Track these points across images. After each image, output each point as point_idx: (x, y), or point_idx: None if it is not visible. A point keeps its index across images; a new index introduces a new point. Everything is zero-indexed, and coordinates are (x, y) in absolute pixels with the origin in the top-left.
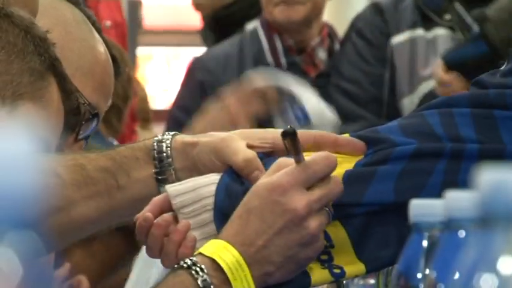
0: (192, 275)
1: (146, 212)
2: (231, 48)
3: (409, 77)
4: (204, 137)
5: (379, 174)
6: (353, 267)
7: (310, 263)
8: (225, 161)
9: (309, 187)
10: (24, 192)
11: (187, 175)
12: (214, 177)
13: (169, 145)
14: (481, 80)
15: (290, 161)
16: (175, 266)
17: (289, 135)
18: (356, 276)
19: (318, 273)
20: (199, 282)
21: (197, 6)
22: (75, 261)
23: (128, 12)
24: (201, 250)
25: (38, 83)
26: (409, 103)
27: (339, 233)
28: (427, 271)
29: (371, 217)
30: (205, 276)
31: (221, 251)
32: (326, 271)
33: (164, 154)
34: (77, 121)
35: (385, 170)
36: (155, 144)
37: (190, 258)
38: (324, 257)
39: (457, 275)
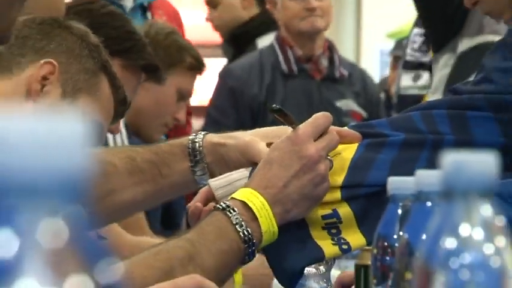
0: (226, 214)
1: (196, 202)
2: (253, 60)
3: None
4: (230, 138)
5: (377, 162)
6: (356, 239)
7: (320, 200)
8: (251, 159)
9: (316, 139)
10: (84, 173)
11: (217, 168)
12: (244, 173)
13: (201, 144)
14: (456, 88)
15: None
16: (212, 209)
17: (277, 111)
18: (359, 248)
19: (330, 249)
20: (232, 219)
21: (216, 27)
22: None
23: None
24: (233, 196)
25: (92, 80)
26: None
27: (345, 211)
28: (401, 233)
29: (371, 197)
30: (237, 215)
31: (249, 195)
32: (336, 247)
33: (197, 151)
34: (123, 109)
35: (382, 158)
36: (190, 142)
37: (224, 202)
38: (334, 231)
39: (424, 237)
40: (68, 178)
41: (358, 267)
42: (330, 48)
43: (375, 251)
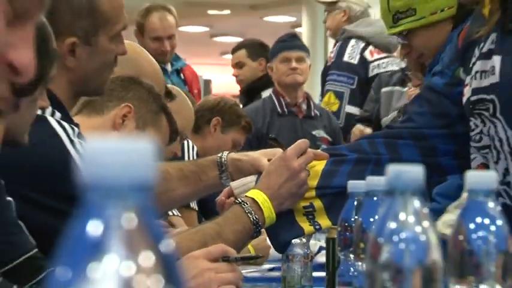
0: (242, 206)
1: (222, 197)
2: (259, 105)
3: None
4: (244, 156)
5: (339, 172)
6: (325, 222)
7: (302, 197)
8: (257, 170)
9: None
10: (151, 179)
11: (235, 175)
12: (253, 178)
13: (225, 159)
14: (389, 125)
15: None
16: (232, 202)
17: (273, 139)
18: (326, 228)
19: (308, 228)
20: (245, 209)
21: (239, 81)
22: None
23: (203, 85)
24: (246, 194)
25: (155, 118)
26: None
27: (318, 204)
28: (356, 217)
29: (335, 195)
30: (248, 207)
31: (256, 194)
32: (311, 227)
33: (223, 164)
34: (175, 136)
35: (342, 170)
36: (218, 158)
37: (240, 198)
38: (311, 217)
39: (374, 220)
40: (141, 182)
41: (328, 240)
42: (308, 97)
43: (339, 229)
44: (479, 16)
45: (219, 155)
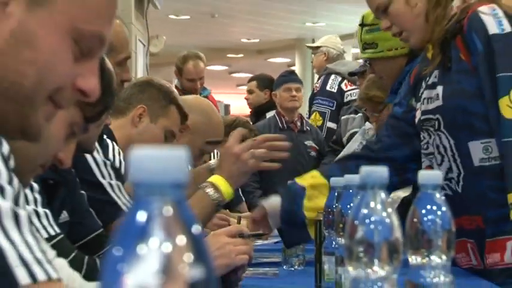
0: (202, 189)
1: (256, 215)
2: (266, 122)
3: None
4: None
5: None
6: None
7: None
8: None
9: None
10: (185, 178)
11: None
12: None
13: (213, 167)
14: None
15: None
16: None
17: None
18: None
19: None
20: (205, 190)
21: (249, 105)
22: None
23: (223, 108)
24: (207, 180)
25: (165, 110)
26: None
27: None
28: (337, 204)
29: None
30: (206, 187)
31: (214, 178)
32: None
33: (212, 171)
34: (184, 121)
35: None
36: (209, 166)
37: (202, 184)
38: None
39: (349, 207)
40: (177, 182)
41: (316, 221)
42: (301, 117)
43: (324, 213)
44: (425, 58)
45: (210, 162)
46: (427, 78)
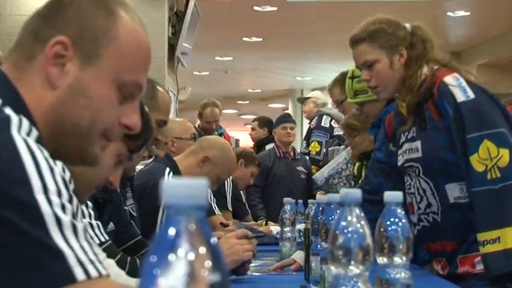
0: None
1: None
2: (267, 152)
3: None
4: None
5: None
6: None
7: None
8: None
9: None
10: (204, 200)
11: None
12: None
13: None
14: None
15: None
16: None
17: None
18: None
19: None
20: None
21: (253, 139)
22: None
23: (234, 142)
24: None
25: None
26: None
27: None
28: (321, 217)
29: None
30: None
31: None
32: None
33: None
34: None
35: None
36: None
37: None
38: None
39: (331, 219)
40: (198, 205)
41: (305, 229)
42: (294, 148)
43: (311, 223)
44: (398, 113)
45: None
46: (406, 133)
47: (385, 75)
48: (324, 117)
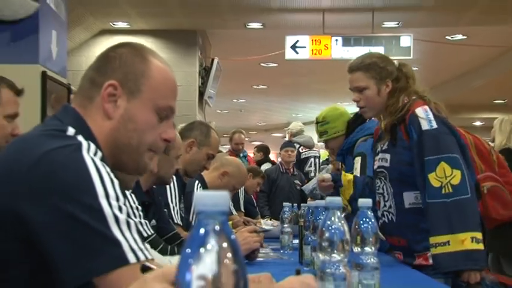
0: None
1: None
2: (272, 169)
3: None
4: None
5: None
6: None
7: None
8: None
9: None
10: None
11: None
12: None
13: None
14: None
15: None
16: None
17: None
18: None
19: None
20: None
21: (253, 159)
22: None
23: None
24: None
25: (207, 139)
26: None
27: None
28: (311, 217)
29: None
30: None
31: None
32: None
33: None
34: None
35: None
36: None
37: None
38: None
39: (318, 219)
40: (222, 211)
41: (299, 226)
42: (293, 166)
43: (304, 221)
44: (380, 128)
45: None
46: (382, 145)
47: (372, 100)
48: (294, 144)
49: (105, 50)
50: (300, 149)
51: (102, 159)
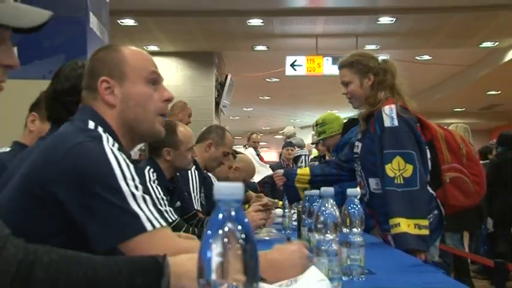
0: None
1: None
2: (275, 164)
3: None
4: None
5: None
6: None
7: None
8: None
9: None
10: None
11: None
12: None
13: None
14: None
15: None
16: None
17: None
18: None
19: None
20: None
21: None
22: None
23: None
24: None
25: (222, 139)
26: None
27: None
28: (307, 204)
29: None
30: None
31: None
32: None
33: None
34: None
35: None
36: None
37: None
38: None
39: (314, 205)
40: (237, 199)
41: (298, 211)
42: (293, 162)
43: (302, 207)
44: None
45: None
46: (359, 135)
47: (356, 93)
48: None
49: (88, 61)
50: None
51: (119, 149)
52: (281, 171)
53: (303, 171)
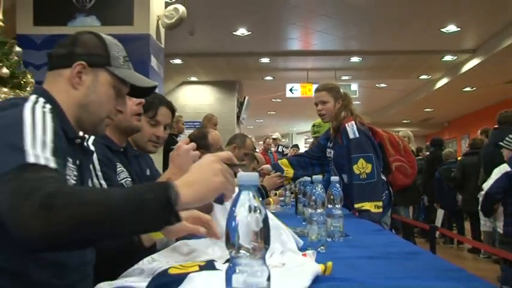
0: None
1: None
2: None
3: None
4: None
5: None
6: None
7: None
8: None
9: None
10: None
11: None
12: None
13: None
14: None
15: None
16: None
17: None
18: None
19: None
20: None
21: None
22: None
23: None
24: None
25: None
26: None
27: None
28: (303, 186)
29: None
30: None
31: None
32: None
33: None
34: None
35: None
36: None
37: None
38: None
39: (307, 187)
40: (254, 184)
41: (295, 191)
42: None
43: (299, 189)
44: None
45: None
46: (330, 143)
47: (330, 110)
48: (279, 146)
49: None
50: (283, 149)
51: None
52: (267, 166)
53: (287, 167)
